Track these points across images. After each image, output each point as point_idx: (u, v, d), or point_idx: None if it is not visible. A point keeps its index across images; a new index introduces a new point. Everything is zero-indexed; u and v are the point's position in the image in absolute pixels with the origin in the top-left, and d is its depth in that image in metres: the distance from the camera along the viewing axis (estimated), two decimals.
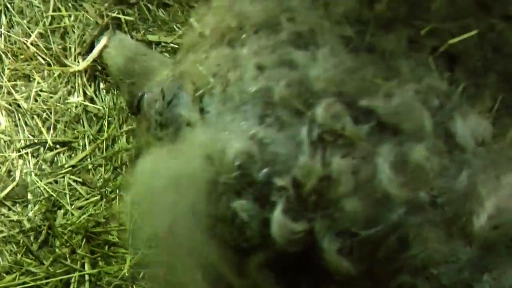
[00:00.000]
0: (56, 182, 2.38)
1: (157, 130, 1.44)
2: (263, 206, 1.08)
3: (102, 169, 2.43)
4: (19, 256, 2.23)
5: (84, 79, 2.50)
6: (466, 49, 1.16)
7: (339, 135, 1.06)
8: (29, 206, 2.34)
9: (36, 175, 2.38)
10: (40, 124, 2.44)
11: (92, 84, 2.52)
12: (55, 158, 2.43)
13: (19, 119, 2.43)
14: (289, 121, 1.10)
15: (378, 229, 1.04)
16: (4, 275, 2.21)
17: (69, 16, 2.55)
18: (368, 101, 1.07)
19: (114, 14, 2.58)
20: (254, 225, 1.09)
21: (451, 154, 1.06)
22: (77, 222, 2.31)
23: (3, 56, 2.48)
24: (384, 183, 1.03)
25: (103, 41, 2.42)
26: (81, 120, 2.48)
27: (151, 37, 2.62)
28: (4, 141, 2.38)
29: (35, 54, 2.50)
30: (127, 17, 2.60)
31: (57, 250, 2.28)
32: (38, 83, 2.48)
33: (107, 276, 2.26)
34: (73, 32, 2.54)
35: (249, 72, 1.17)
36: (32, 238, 2.28)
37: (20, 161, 2.38)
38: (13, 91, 2.44)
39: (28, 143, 2.41)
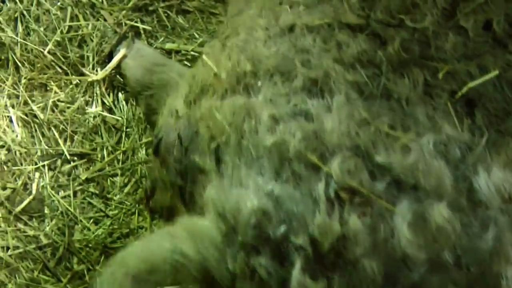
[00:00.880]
0: (73, 195, 2.30)
1: (177, 178, 1.42)
2: (281, 263, 1.06)
3: (121, 182, 2.36)
4: (35, 273, 2.15)
5: (103, 88, 2.43)
6: (485, 91, 1.10)
7: (356, 192, 1.03)
8: (46, 220, 2.26)
9: (52, 188, 2.30)
10: (57, 135, 2.36)
11: (111, 94, 2.45)
12: (73, 171, 2.36)
13: (36, 130, 2.36)
14: (305, 176, 1.07)
15: None
16: None
17: (87, 24, 2.47)
18: (384, 158, 1.04)
19: (132, 23, 2.50)
20: (273, 283, 1.07)
21: (475, 211, 1.00)
22: (95, 237, 2.24)
23: (20, 64, 2.41)
24: (402, 244, 0.99)
25: (122, 51, 2.34)
26: (99, 131, 2.41)
27: (170, 45, 2.55)
28: (20, 153, 2.31)
29: (52, 63, 2.43)
30: (145, 26, 2.52)
31: (75, 266, 2.20)
32: (55, 92, 2.40)
33: None
34: (91, 40, 2.47)
35: (264, 123, 1.15)
36: (49, 254, 2.20)
37: (37, 174, 2.31)
38: (29, 101, 2.37)
39: (44, 155, 2.34)
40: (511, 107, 1.10)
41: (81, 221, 2.27)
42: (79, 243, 2.23)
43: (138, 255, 1.20)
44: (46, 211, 2.27)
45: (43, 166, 2.32)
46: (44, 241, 2.21)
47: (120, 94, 2.45)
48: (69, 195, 2.30)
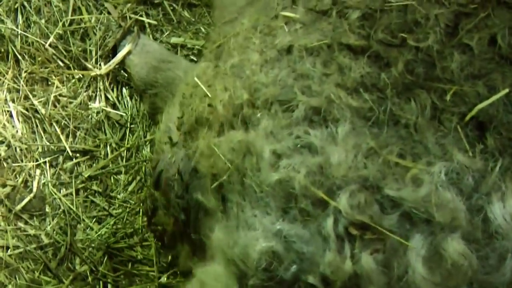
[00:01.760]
0: (76, 193, 2.22)
1: (181, 214, 1.40)
2: None
3: (125, 180, 2.28)
4: (36, 274, 2.07)
5: (106, 83, 2.35)
6: (495, 112, 1.05)
7: (366, 227, 0.99)
8: (47, 219, 2.18)
9: (54, 186, 2.22)
10: (59, 131, 2.28)
11: (115, 89, 2.37)
12: (75, 168, 2.27)
13: (37, 126, 2.28)
14: (313, 213, 1.04)
15: None
16: None
17: (90, 17, 2.39)
18: (395, 190, 0.99)
19: (137, 17, 2.43)
20: None
21: (491, 243, 0.96)
22: (98, 237, 2.16)
23: (20, 58, 2.32)
24: (417, 282, 0.95)
25: (127, 47, 2.26)
26: (102, 127, 2.33)
27: (175, 40, 2.47)
28: (21, 150, 2.22)
29: (54, 57, 2.34)
30: (151, 21, 2.45)
31: (77, 267, 2.12)
32: (57, 87, 2.32)
33: None
34: (94, 34, 2.38)
35: (265, 160, 1.11)
36: (50, 254, 2.12)
37: (38, 171, 2.22)
38: (30, 96, 2.28)
39: (46, 151, 2.25)
40: None
41: (83, 220, 2.20)
42: (81, 243, 2.16)
43: None
44: (47, 209, 2.19)
45: (44, 163, 2.24)
46: (45, 240, 2.13)
47: (124, 89, 2.37)
48: (71, 193, 2.23)
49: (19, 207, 2.14)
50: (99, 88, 2.34)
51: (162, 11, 2.52)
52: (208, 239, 1.24)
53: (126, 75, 2.35)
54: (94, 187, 2.26)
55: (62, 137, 2.27)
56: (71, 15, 2.38)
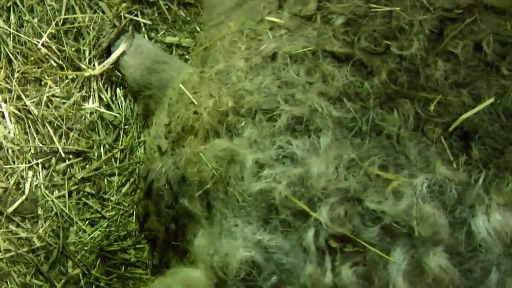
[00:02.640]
0: (68, 195, 2.19)
1: (171, 224, 1.39)
2: None
3: (119, 182, 2.25)
4: (28, 277, 2.04)
5: (100, 83, 2.31)
6: (480, 121, 1.03)
7: (347, 240, 0.98)
8: (39, 222, 2.15)
9: (46, 188, 2.19)
10: (51, 132, 2.25)
11: (109, 89, 2.33)
12: (68, 170, 2.24)
13: (29, 127, 2.24)
14: (294, 224, 1.03)
15: None
16: None
17: (84, 16, 2.35)
18: (376, 203, 0.98)
19: (132, 16, 2.39)
20: None
21: (475, 256, 0.95)
22: (90, 240, 2.13)
23: (12, 57, 2.28)
24: None
25: (122, 47, 2.23)
26: (96, 128, 2.29)
27: (170, 39, 2.44)
28: (13, 151, 2.19)
29: (47, 56, 2.31)
30: (145, 21, 2.41)
31: (69, 270, 2.09)
32: (50, 87, 2.28)
33: None
34: (88, 33, 2.35)
35: (248, 169, 1.10)
36: (42, 257, 2.10)
37: (30, 173, 2.19)
38: (23, 96, 2.25)
39: (38, 152, 2.22)
40: (510, 136, 1.03)
41: (76, 222, 2.17)
42: (74, 246, 2.13)
43: None
44: (40, 212, 2.16)
45: (37, 164, 2.20)
46: (37, 243, 2.10)
47: (118, 90, 2.34)
48: (64, 195, 2.19)
49: (10, 209, 2.11)
50: (93, 88, 2.31)
51: (158, 10, 2.48)
52: (190, 244, 1.23)
53: (120, 75, 2.32)
54: (87, 189, 2.23)
55: (55, 138, 2.24)
56: (65, 14, 2.35)
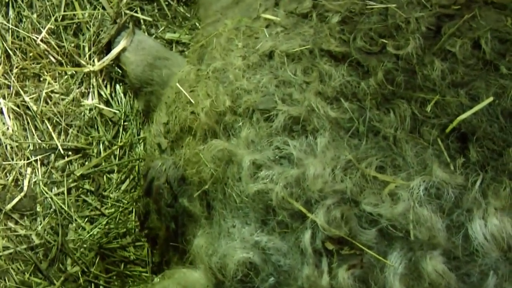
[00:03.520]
0: (67, 192, 2.17)
1: (171, 223, 1.39)
2: None
3: (118, 179, 2.23)
4: (26, 275, 2.03)
5: (100, 80, 2.29)
6: (479, 122, 1.02)
7: (344, 242, 0.97)
8: (38, 219, 2.13)
9: (45, 185, 2.17)
10: (50, 128, 2.23)
11: (108, 86, 2.31)
12: (67, 166, 2.22)
13: (28, 123, 2.22)
14: (291, 226, 1.02)
15: None
16: None
17: (84, 12, 2.34)
18: (372, 206, 0.97)
19: (133, 13, 2.37)
20: None
21: (472, 260, 0.94)
22: (90, 237, 2.11)
23: (11, 53, 2.26)
24: None
25: (122, 43, 2.21)
26: (95, 125, 2.28)
27: (170, 35, 2.42)
28: (11, 147, 2.17)
29: (46, 52, 2.29)
30: (145, 17, 2.39)
31: (68, 268, 2.08)
32: (49, 83, 2.27)
33: None
34: (88, 29, 2.33)
35: (245, 170, 1.10)
36: (41, 255, 2.08)
37: (29, 169, 2.17)
38: (21, 92, 2.23)
39: (37, 149, 2.20)
40: (509, 138, 1.01)
41: (75, 220, 2.15)
42: (73, 243, 2.11)
43: None
44: (38, 209, 2.14)
45: (36, 161, 2.19)
46: (36, 241, 2.09)
47: (118, 86, 2.32)
48: (63, 192, 2.18)
49: (9, 206, 2.09)
50: (92, 84, 2.29)
51: (157, 6, 2.47)
52: (190, 244, 1.23)
53: (120, 71, 2.30)
54: (86, 186, 2.21)
55: (54, 135, 2.22)
56: (64, 10, 2.33)
